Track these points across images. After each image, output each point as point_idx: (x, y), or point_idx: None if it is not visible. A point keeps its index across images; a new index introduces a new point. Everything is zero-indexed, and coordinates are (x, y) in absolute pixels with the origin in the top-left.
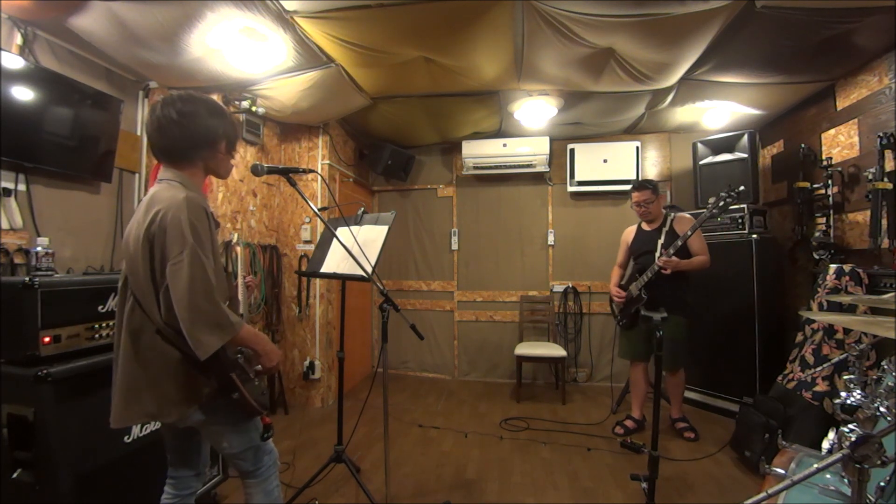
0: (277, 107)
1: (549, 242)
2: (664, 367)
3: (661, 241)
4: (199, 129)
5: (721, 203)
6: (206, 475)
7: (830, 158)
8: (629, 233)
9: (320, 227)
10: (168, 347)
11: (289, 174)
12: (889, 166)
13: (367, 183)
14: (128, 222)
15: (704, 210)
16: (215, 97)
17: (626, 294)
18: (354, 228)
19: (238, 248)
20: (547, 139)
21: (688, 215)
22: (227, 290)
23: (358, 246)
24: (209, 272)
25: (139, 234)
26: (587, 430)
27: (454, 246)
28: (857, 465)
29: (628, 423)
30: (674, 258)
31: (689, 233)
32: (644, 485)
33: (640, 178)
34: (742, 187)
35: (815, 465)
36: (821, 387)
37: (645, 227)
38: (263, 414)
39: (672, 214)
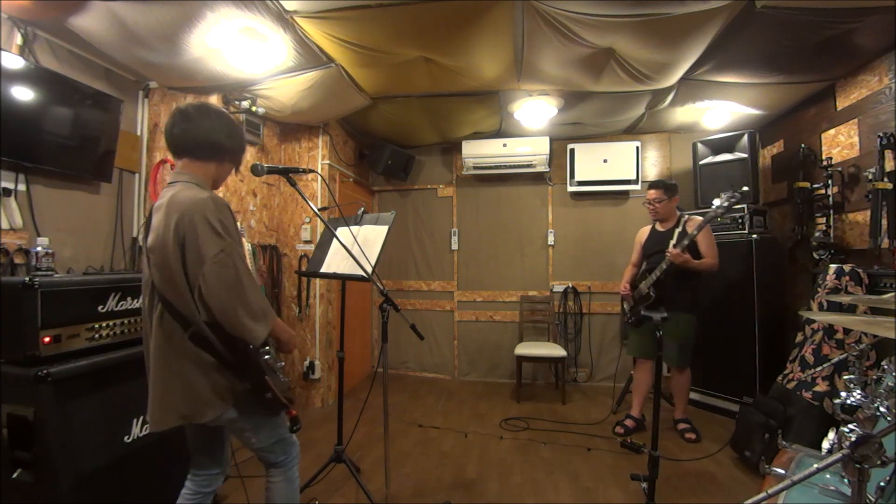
0: (277, 107)
1: (549, 242)
2: (673, 364)
3: (672, 242)
4: (236, 137)
5: (727, 203)
6: (225, 474)
7: (830, 158)
8: (643, 233)
9: (320, 227)
10: (197, 350)
11: (289, 174)
12: (889, 166)
13: (367, 183)
14: (128, 222)
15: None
16: (215, 98)
17: (633, 290)
18: (354, 228)
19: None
20: (547, 139)
21: (699, 217)
22: None
23: (358, 246)
24: (249, 266)
25: (167, 239)
26: (587, 430)
27: (454, 246)
28: (857, 465)
29: (628, 422)
30: (686, 254)
31: (696, 231)
32: (644, 485)
33: (639, 178)
34: (745, 188)
35: (815, 465)
36: (821, 387)
37: (659, 227)
38: (290, 408)
39: (686, 216)
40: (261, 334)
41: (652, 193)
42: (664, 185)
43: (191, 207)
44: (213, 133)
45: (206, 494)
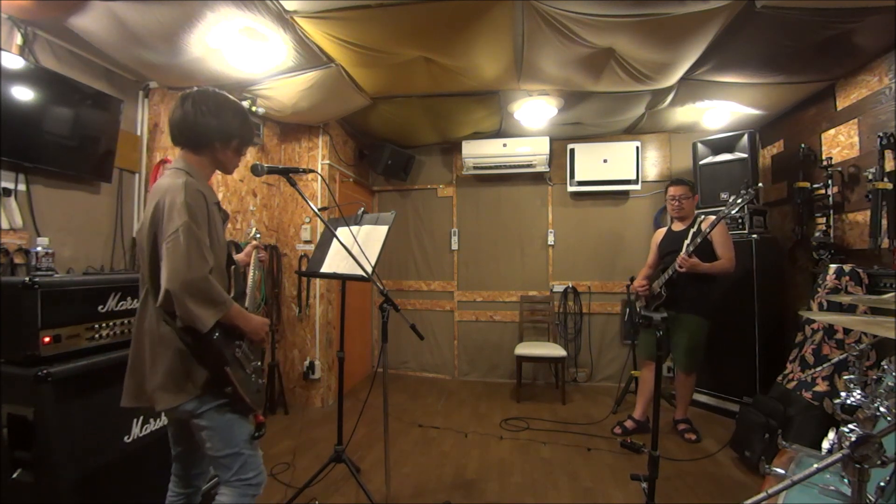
0: (277, 107)
1: (549, 242)
2: (679, 366)
3: (686, 241)
4: (231, 123)
5: (739, 199)
6: (208, 472)
7: (830, 158)
8: (659, 234)
9: (320, 227)
10: (168, 332)
11: (289, 174)
12: (889, 166)
13: (367, 183)
14: (128, 222)
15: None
16: None
17: (649, 289)
18: (354, 228)
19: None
20: (547, 139)
21: (713, 217)
22: (226, 281)
23: (358, 246)
24: (204, 249)
25: (145, 224)
26: (587, 430)
27: (454, 246)
28: (857, 465)
29: (628, 423)
30: (693, 258)
31: (708, 230)
32: (644, 485)
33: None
34: (760, 184)
35: (815, 465)
36: (821, 387)
37: (675, 227)
38: (257, 412)
39: (701, 216)
40: (207, 320)
41: (678, 190)
42: (689, 183)
43: (165, 192)
44: (203, 124)
45: (191, 494)
